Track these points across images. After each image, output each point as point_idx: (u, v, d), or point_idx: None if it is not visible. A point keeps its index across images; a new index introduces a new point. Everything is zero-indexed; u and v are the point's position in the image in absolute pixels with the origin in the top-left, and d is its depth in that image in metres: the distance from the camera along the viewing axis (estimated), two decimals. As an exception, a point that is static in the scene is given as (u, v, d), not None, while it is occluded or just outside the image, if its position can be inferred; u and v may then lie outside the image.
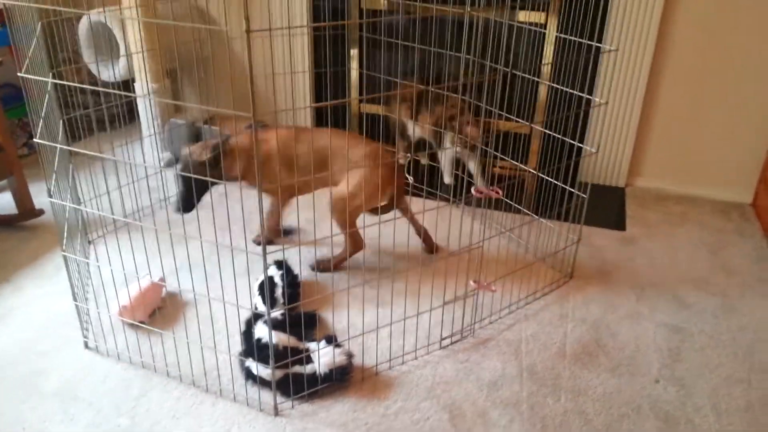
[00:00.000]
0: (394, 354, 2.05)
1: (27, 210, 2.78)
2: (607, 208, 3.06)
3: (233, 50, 3.54)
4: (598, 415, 1.85)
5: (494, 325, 2.22)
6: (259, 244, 2.59)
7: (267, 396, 1.85)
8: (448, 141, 2.97)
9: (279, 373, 1.84)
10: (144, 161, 3.16)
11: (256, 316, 2.04)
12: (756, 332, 2.21)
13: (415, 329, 2.15)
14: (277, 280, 2.20)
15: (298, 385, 1.85)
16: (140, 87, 3.16)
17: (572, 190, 2.41)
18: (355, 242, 2.41)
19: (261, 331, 1.95)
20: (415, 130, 3.14)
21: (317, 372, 1.86)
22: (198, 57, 3.43)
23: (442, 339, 2.12)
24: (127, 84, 3.53)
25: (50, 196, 1.89)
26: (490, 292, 2.31)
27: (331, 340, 1.95)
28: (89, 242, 2.63)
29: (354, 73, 3.50)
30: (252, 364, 1.88)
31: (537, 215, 2.60)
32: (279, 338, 1.89)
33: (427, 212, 2.08)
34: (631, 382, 1.98)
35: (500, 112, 2.49)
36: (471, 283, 2.12)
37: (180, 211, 2.29)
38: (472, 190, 1.96)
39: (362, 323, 2.17)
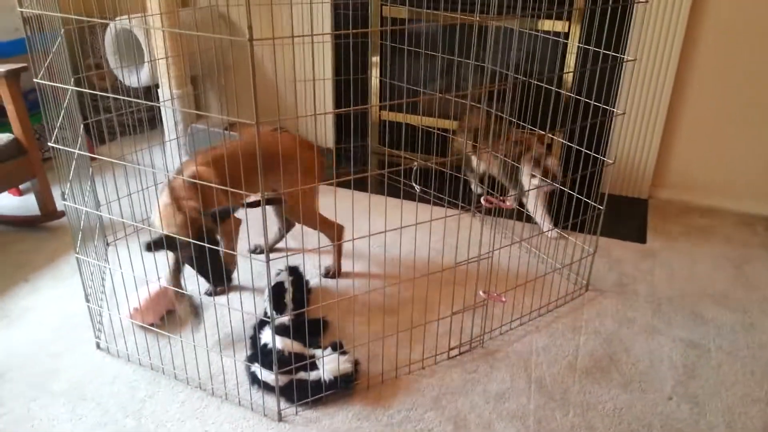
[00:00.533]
0: (400, 363, 2.04)
1: (49, 212, 2.85)
2: (629, 220, 3.00)
3: (258, 59, 3.57)
4: (607, 431, 1.81)
5: (504, 336, 2.19)
6: (255, 252, 2.59)
7: (271, 401, 1.85)
8: (525, 178, 2.67)
9: (283, 379, 1.84)
10: (166, 165, 3.21)
11: (263, 322, 2.04)
12: (777, 350, 2.14)
13: (423, 338, 2.13)
14: (287, 285, 2.21)
15: (302, 392, 1.85)
16: (163, 93, 3.21)
17: (588, 200, 2.37)
18: (331, 226, 2.36)
19: (267, 336, 1.96)
20: (480, 164, 2.89)
21: (321, 379, 1.86)
22: (220, 64, 3.48)
23: (450, 349, 2.10)
24: (151, 90, 3.60)
25: (64, 199, 1.93)
26: (500, 303, 2.28)
27: (337, 347, 1.95)
28: (107, 245, 2.68)
29: (374, 81, 3.51)
30: (257, 369, 1.89)
31: (555, 226, 2.56)
32: (284, 344, 1.90)
33: (434, 222, 2.06)
34: (643, 398, 1.93)
35: (523, 123, 2.47)
36: (480, 293, 2.09)
37: (214, 289, 2.27)
38: (482, 199, 1.94)
39: (368, 331, 2.16)
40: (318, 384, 1.86)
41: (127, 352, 2.07)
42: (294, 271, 2.31)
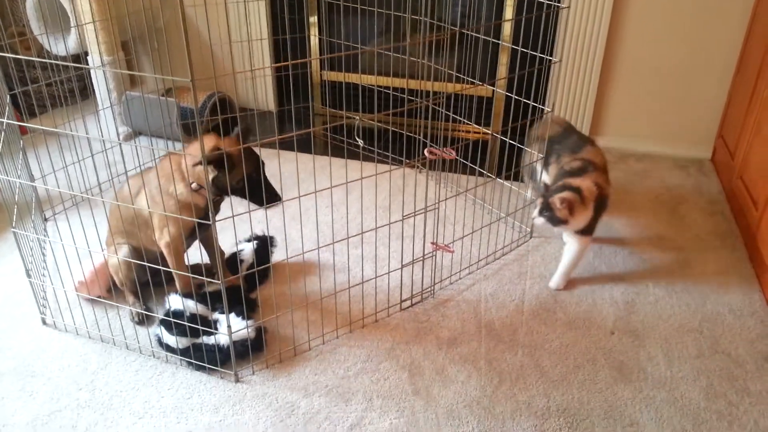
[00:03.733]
0: (354, 318, 2.07)
1: (-20, 189, 2.72)
2: (568, 167, 3.08)
3: (187, 18, 3.46)
4: (554, 368, 1.89)
5: (454, 285, 2.25)
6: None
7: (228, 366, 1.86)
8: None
9: (184, 342, 1.87)
10: (101, 135, 3.10)
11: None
12: (708, 283, 2.26)
13: (375, 293, 2.16)
14: (249, 255, 2.22)
15: (207, 354, 1.85)
16: (93, 60, 3.08)
17: (527, 149, 2.42)
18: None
19: (172, 300, 1.97)
20: (543, 175, 2.48)
21: (220, 344, 1.85)
22: (151, 27, 3.35)
23: (402, 301, 2.14)
24: (80, 59, 3.45)
25: (-6, 171, 1.85)
26: (449, 253, 2.33)
27: (240, 313, 1.92)
28: (45, 219, 2.59)
29: (314, 40, 3.46)
30: (160, 332, 1.91)
31: (497, 176, 2.61)
32: (186, 307, 1.92)
33: (380, 175, 2.08)
34: (587, 334, 2.02)
35: (460, 75, 2.48)
36: (429, 244, 2.13)
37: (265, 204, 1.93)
38: (425, 151, 1.96)
39: (320, 289, 2.18)
40: (214, 348, 1.85)
41: (74, 326, 2.03)
42: (262, 241, 2.29)
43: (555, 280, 2.23)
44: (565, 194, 2.04)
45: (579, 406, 1.77)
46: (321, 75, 3.55)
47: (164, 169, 1.87)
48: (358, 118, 1.88)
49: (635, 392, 1.81)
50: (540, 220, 2.10)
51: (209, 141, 1.82)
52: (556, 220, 2.07)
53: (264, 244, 2.29)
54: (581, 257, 2.22)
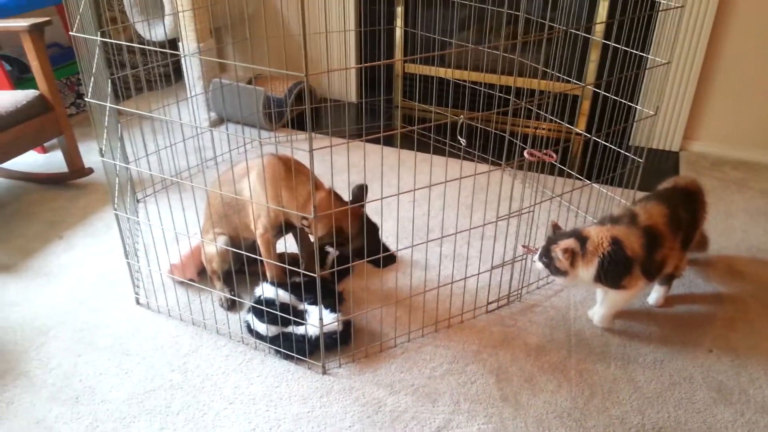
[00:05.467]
0: (440, 317, 2.05)
1: (77, 169, 2.83)
2: (660, 173, 2.96)
3: (277, 9, 3.49)
4: (648, 383, 1.82)
5: (542, 290, 2.19)
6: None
7: (316, 358, 1.87)
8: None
9: (274, 330, 1.88)
10: (195, 121, 3.17)
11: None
12: (816, 303, 2.13)
13: (462, 293, 2.13)
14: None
15: (296, 344, 1.87)
16: (186, 47, 3.15)
17: (627, 154, 2.33)
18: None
19: (264, 288, 1.98)
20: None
21: (309, 334, 1.86)
22: (243, 15, 3.40)
23: (489, 303, 2.10)
24: (174, 45, 3.54)
25: (102, 155, 1.91)
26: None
27: (330, 305, 1.93)
28: (137, 201, 2.67)
29: (398, 32, 3.43)
30: (250, 319, 1.92)
31: (589, 180, 2.53)
32: (277, 296, 1.92)
33: (478, 176, 2.04)
34: (683, 351, 1.94)
35: (554, 73, 2.41)
36: (520, 247, 2.08)
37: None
38: (525, 153, 1.91)
39: (410, 285, 2.17)
40: (303, 338, 1.87)
41: (167, 308, 2.08)
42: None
43: (595, 310, 2.02)
44: (568, 243, 1.81)
45: (675, 426, 1.69)
46: (404, 68, 3.53)
47: (273, 178, 1.89)
48: (462, 117, 1.84)
49: (736, 415, 1.72)
50: (539, 265, 1.90)
51: (321, 198, 1.86)
52: (554, 270, 1.86)
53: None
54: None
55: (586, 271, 1.83)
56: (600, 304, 2.01)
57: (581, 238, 1.84)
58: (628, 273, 1.84)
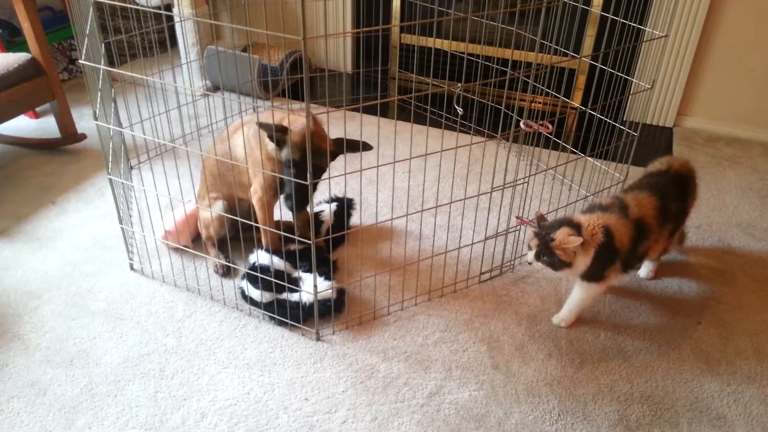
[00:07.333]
0: (434, 286, 2.06)
1: (69, 134, 2.81)
2: (654, 148, 2.97)
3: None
4: (637, 353, 1.85)
5: (534, 261, 2.21)
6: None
7: (310, 324, 1.89)
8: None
9: (268, 296, 1.90)
10: (190, 86, 3.14)
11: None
12: (804, 278, 2.16)
13: (456, 263, 2.14)
14: (328, 215, 2.22)
15: (290, 311, 1.88)
16: (180, 12, 3.11)
17: (622, 128, 2.34)
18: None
19: (258, 255, 1.98)
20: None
21: (303, 301, 1.87)
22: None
23: (482, 273, 2.12)
24: (169, 12, 3.48)
25: (95, 119, 1.89)
26: (532, 228, 2.28)
27: (324, 273, 1.94)
28: (131, 167, 2.66)
29: (395, 2, 3.39)
30: (244, 285, 1.93)
31: (583, 154, 2.53)
32: (272, 263, 1.93)
33: (473, 146, 2.04)
34: (671, 323, 1.97)
35: (551, 44, 2.39)
36: (514, 219, 2.09)
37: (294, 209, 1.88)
38: (521, 123, 1.90)
39: (404, 255, 2.18)
40: (297, 305, 1.88)
41: (161, 274, 2.09)
42: (340, 202, 2.30)
43: (559, 315, 1.94)
44: (564, 232, 1.72)
45: (663, 395, 1.72)
46: (400, 38, 3.50)
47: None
48: (459, 86, 1.83)
49: (723, 385, 1.76)
50: (539, 265, 1.79)
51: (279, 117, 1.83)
52: (558, 264, 1.75)
53: (342, 207, 2.30)
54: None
55: (583, 260, 1.74)
56: (567, 303, 1.94)
57: (574, 226, 1.74)
58: (611, 264, 1.79)
